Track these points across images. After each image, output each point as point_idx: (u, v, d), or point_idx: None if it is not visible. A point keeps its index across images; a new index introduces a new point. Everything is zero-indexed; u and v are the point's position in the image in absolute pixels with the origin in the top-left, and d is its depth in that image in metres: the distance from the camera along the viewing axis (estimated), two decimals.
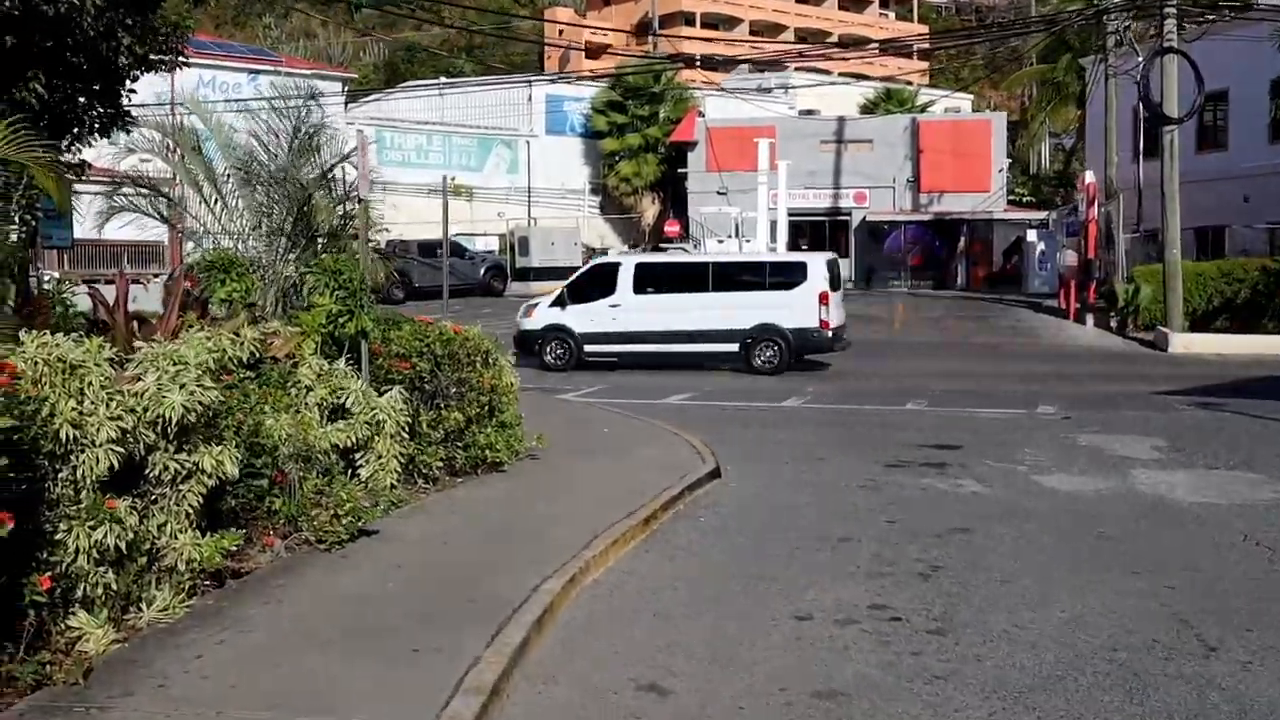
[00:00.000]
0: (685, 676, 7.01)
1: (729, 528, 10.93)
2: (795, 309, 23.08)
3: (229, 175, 14.93)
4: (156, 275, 28.59)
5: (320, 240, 15.12)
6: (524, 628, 7.37)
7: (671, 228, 48.67)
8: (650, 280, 24.08)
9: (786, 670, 7.13)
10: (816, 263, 23.82)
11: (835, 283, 23.94)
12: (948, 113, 60.35)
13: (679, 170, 52.75)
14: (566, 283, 24.85)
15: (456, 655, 6.85)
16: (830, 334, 23.25)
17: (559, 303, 24.31)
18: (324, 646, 7.02)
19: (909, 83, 66.23)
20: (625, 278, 23.97)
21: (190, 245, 17.00)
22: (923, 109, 59.16)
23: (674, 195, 54.38)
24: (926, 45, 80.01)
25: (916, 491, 12.53)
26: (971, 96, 70.40)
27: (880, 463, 14.07)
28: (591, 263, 27.10)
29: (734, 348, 23.40)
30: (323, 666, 6.69)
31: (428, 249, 42.32)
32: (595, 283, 24.34)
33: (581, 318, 23.98)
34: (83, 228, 20.55)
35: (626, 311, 23.63)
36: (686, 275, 24.51)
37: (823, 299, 23.05)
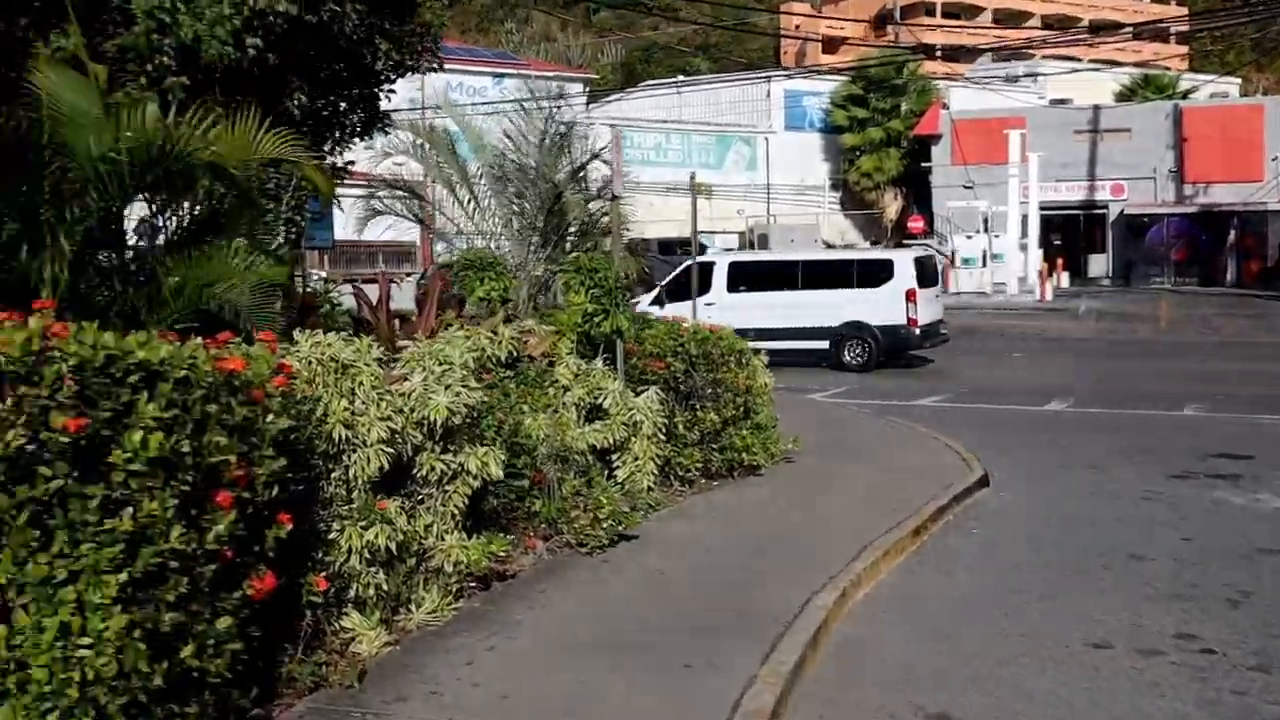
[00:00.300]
0: (976, 707, 6.45)
1: (1005, 541, 10.22)
2: (883, 306, 22.98)
3: (481, 175, 15.07)
4: (408, 275, 29.54)
5: (570, 238, 15.11)
6: (799, 645, 6.94)
7: (915, 223, 47.39)
8: (743, 279, 24.37)
9: (1091, 706, 6.47)
10: (904, 260, 23.79)
11: (927, 280, 23.76)
12: (1213, 98, 56.69)
13: (922, 164, 51.35)
14: (664, 282, 24.79)
15: (730, 672, 6.49)
16: (919, 331, 23.08)
17: (658, 301, 24.30)
18: (592, 656, 6.77)
19: (1167, 68, 62.70)
20: (720, 276, 24.28)
21: (441, 245, 17.30)
22: (1185, 95, 55.78)
23: (917, 190, 52.95)
24: (1186, 28, 75.71)
25: (1208, 505, 11.49)
26: (1239, 81, 66.01)
27: (1161, 473, 12.99)
28: (687, 263, 26.95)
29: (825, 345, 23.48)
30: (592, 678, 6.44)
31: (667, 247, 42.40)
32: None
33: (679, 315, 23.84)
34: (341, 229, 21.32)
35: (721, 310, 23.41)
36: (778, 274, 24.80)
37: (910, 296, 22.86)
